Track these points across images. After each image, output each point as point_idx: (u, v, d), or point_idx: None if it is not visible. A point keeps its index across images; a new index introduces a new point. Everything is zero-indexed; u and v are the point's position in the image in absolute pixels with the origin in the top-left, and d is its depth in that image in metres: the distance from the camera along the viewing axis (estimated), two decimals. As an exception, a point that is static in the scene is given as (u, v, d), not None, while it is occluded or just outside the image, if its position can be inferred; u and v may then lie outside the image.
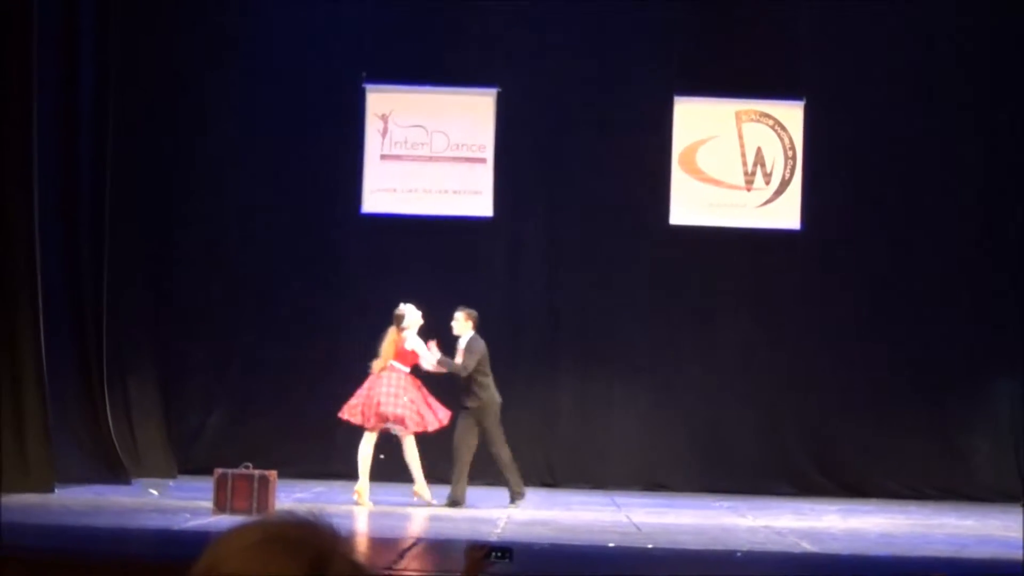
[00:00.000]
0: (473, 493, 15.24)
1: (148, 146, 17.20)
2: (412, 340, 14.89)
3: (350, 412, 14.95)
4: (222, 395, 18.05)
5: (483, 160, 17.95)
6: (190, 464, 17.10)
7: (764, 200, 18.05)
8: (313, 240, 18.19)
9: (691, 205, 17.97)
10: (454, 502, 14.74)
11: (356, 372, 17.76)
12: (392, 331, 14.97)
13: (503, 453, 14.90)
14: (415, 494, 14.71)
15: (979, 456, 18.32)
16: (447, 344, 15.19)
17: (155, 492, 15.06)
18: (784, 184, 18.03)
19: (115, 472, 15.71)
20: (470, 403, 14.87)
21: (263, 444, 17.10)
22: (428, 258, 18.15)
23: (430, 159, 17.96)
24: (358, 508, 14.42)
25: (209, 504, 13.19)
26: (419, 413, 14.76)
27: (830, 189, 18.12)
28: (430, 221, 17.99)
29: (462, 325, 15.11)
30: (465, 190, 17.99)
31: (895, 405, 18.22)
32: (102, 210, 16.11)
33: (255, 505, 12.90)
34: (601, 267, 18.29)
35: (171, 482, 16.37)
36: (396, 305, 17.18)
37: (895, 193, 18.32)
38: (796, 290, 18.36)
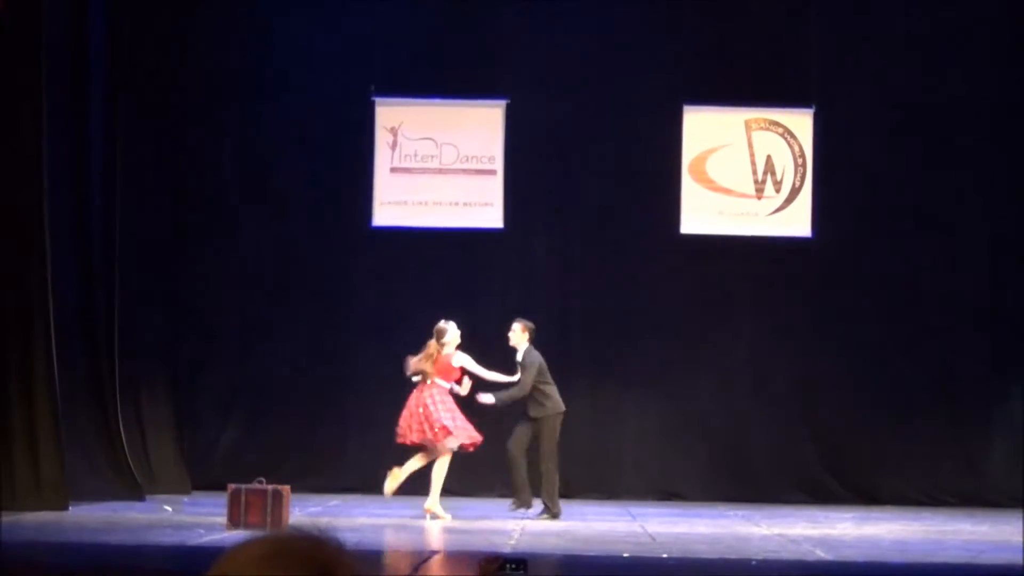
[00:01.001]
0: (487, 505, 15.26)
1: (158, 162, 17.21)
2: (460, 358, 14.86)
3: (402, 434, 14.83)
4: (235, 410, 18.09)
5: (493, 172, 17.95)
6: (204, 480, 17.09)
7: (775, 208, 18.03)
8: (324, 254, 18.23)
9: (702, 214, 17.95)
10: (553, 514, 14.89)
11: (368, 385, 17.84)
12: (432, 344, 14.87)
13: (550, 467, 14.91)
14: (426, 510, 14.65)
15: (993, 462, 18.30)
16: (504, 358, 15.19)
17: (169, 508, 15.07)
18: (795, 192, 18.02)
19: (129, 489, 15.71)
20: (533, 412, 14.95)
21: (277, 459, 17.13)
22: (439, 271, 18.19)
23: (440, 171, 17.96)
24: (375, 522, 14.38)
25: (223, 520, 13.18)
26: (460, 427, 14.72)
27: (841, 196, 18.12)
28: (441, 234, 18.00)
29: (519, 336, 15.17)
30: (475, 202, 17.99)
31: (909, 412, 18.22)
32: (113, 228, 16.13)
33: (269, 520, 12.89)
34: (612, 277, 18.31)
35: (185, 498, 16.38)
36: (407, 318, 17.27)
37: (906, 199, 18.33)
38: (808, 298, 18.36)
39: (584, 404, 18.17)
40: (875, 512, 16.88)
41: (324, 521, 13.94)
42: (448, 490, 15.00)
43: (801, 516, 15.93)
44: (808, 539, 13.16)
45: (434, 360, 14.77)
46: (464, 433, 14.67)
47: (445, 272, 18.19)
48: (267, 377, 18.01)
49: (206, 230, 18.08)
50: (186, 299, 17.81)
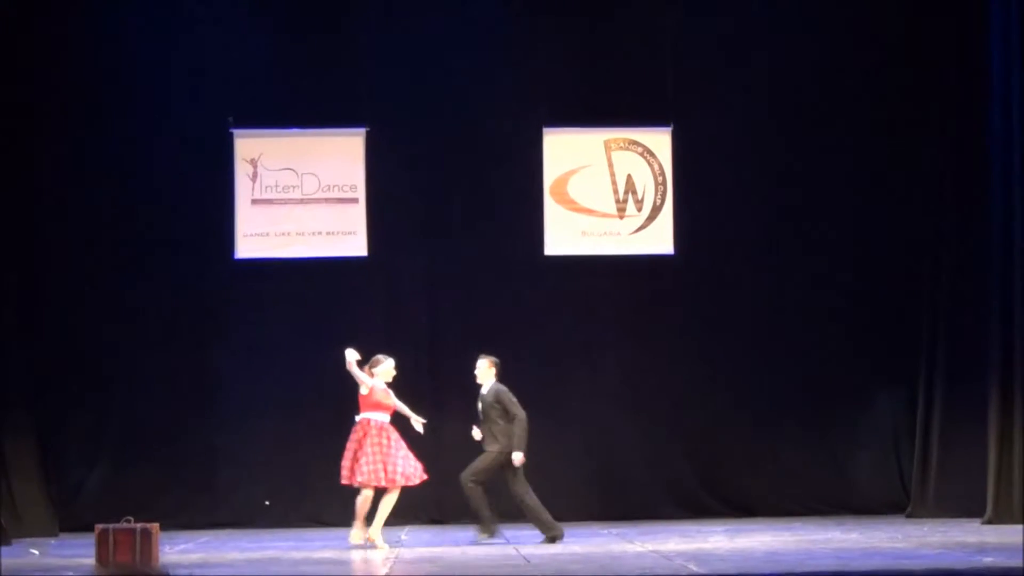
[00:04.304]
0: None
1: (15, 195, 16.93)
2: (364, 385, 14.70)
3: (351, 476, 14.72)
4: (102, 450, 17.83)
5: (355, 200, 17.92)
6: (72, 521, 16.87)
7: (637, 227, 18.15)
8: (188, 289, 18.05)
9: (565, 235, 18.03)
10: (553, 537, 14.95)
11: (236, 418, 17.71)
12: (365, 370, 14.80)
13: (526, 498, 15.01)
14: (368, 539, 14.59)
15: (862, 469, 18.54)
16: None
17: (36, 552, 14.80)
18: (656, 210, 18.15)
19: (-6, 533, 15.44)
20: (490, 446, 15.04)
21: (146, 497, 16.97)
22: (305, 301, 18.10)
23: (301, 202, 17.89)
24: (248, 556, 14.22)
25: (91, 561, 12.98)
26: (385, 467, 14.60)
27: (701, 212, 18.28)
28: (305, 263, 17.92)
29: (485, 373, 15.28)
30: (339, 231, 17.94)
31: (779, 423, 18.40)
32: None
33: (138, 559, 12.72)
34: (479, 300, 18.31)
35: (53, 540, 16.14)
36: (273, 349, 17.21)
37: (767, 213, 18.51)
38: (674, 314, 18.48)
39: (455, 428, 18.12)
40: (748, 524, 17.01)
41: (196, 557, 13.78)
42: (334, 521, 14.83)
43: (675, 531, 16.01)
44: (681, 554, 13.21)
45: (363, 384, 14.66)
46: (399, 472, 14.64)
47: (311, 302, 18.09)
48: (133, 415, 17.79)
49: (66, 268, 17.83)
50: (47, 339, 17.52)
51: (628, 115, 18.26)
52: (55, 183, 17.74)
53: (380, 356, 14.98)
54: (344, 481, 14.74)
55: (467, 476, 15.00)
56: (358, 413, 14.75)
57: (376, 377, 14.85)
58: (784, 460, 18.39)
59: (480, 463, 15.06)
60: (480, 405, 15.27)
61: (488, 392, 15.23)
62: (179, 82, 18.04)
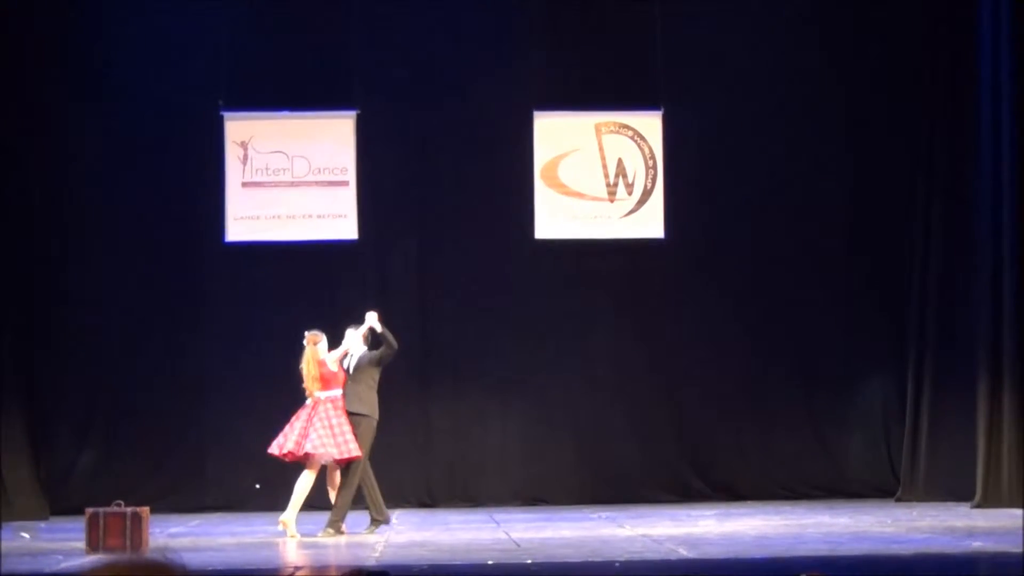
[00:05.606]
0: (352, 518, 15.15)
1: (6, 180, 16.90)
2: (332, 362, 14.35)
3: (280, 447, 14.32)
4: (92, 433, 17.82)
5: (346, 183, 17.89)
6: (62, 504, 16.84)
7: (627, 210, 18.14)
8: (178, 272, 18.04)
9: (555, 219, 18.01)
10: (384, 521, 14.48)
11: (225, 402, 17.70)
12: (311, 352, 14.38)
13: (368, 473, 14.56)
14: (281, 523, 14.23)
15: (852, 453, 18.58)
16: None
17: (26, 535, 14.80)
18: (646, 193, 18.14)
19: (-16, 517, 15.43)
20: (368, 410, 14.35)
21: (136, 481, 16.98)
22: (295, 284, 18.06)
23: (292, 184, 17.86)
24: (239, 540, 14.22)
25: (82, 544, 12.99)
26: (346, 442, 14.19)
27: (692, 196, 18.28)
28: (295, 247, 17.88)
29: (362, 342, 14.73)
30: (329, 214, 17.91)
31: (768, 406, 18.42)
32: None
33: (128, 543, 12.72)
34: (470, 284, 18.31)
35: (43, 524, 16.12)
36: (263, 333, 17.18)
37: (757, 196, 18.51)
38: (664, 297, 18.49)
39: (446, 411, 18.19)
40: (738, 508, 17.05)
41: (187, 541, 13.79)
42: (325, 505, 14.75)
43: (665, 515, 16.03)
44: (671, 538, 13.23)
45: (319, 364, 14.34)
46: (333, 448, 14.22)
47: (301, 285, 18.06)
48: (123, 398, 17.78)
49: (58, 251, 17.79)
50: (39, 322, 17.50)
51: (619, 98, 18.24)
52: (44, 166, 17.68)
53: (318, 332, 14.59)
54: (342, 457, 14.39)
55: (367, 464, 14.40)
56: (331, 389, 14.34)
57: (322, 351, 14.45)
58: (774, 444, 18.41)
59: (363, 442, 14.26)
60: (355, 364, 14.47)
61: (364, 353, 14.49)
62: (169, 64, 18.00)
